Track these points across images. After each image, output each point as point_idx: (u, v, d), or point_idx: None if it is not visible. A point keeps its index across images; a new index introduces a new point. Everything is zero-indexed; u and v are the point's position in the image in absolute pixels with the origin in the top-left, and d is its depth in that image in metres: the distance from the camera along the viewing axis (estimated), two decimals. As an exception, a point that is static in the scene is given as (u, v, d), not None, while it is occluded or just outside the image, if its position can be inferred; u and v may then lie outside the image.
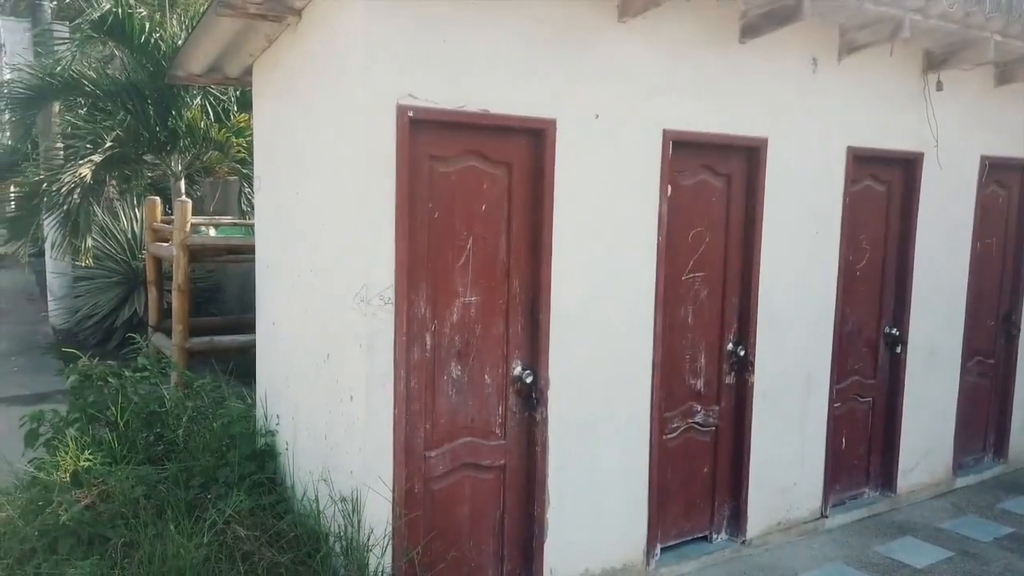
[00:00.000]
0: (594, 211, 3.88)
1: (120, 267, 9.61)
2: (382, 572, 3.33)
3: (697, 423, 4.50)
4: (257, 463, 4.30)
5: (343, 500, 3.46)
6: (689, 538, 4.55)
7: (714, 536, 4.63)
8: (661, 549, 4.37)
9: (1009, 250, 6.01)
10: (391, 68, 3.23)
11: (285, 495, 4.08)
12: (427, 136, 3.40)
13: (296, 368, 4.14)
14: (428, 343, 3.53)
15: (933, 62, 5.05)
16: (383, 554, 3.35)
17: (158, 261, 8.14)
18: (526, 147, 3.70)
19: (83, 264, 9.13)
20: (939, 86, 5.05)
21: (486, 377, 3.72)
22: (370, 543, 3.32)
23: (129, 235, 9.79)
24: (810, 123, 4.63)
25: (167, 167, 9.56)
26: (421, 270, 3.47)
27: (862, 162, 4.94)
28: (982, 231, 5.73)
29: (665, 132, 4.07)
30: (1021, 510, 5.46)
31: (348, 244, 3.46)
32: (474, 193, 3.58)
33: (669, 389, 4.34)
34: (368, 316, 3.29)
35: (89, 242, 8.81)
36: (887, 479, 5.44)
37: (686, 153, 4.21)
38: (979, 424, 6.07)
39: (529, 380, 3.77)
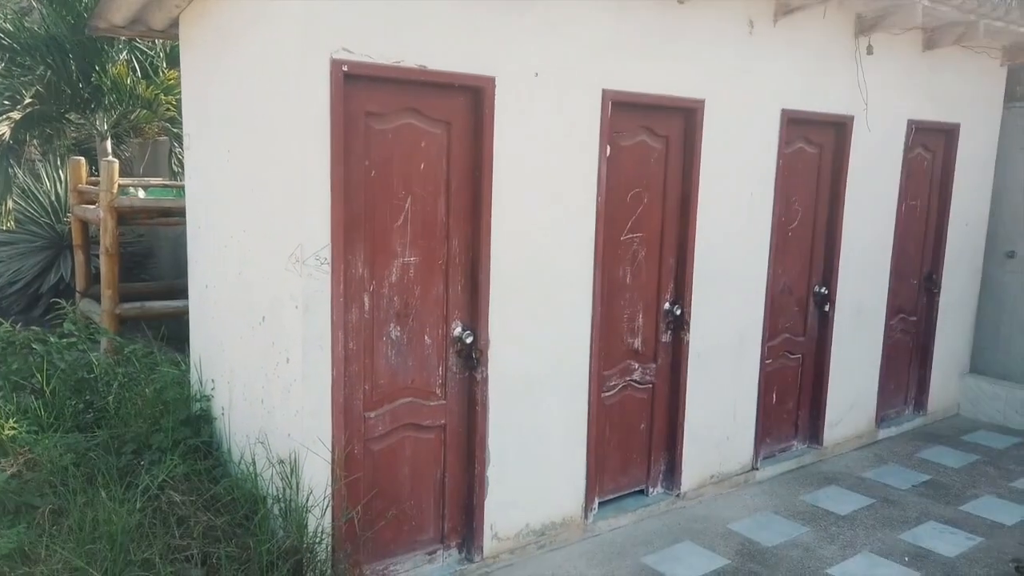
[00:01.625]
0: (534, 171, 3.88)
1: (44, 231, 9.19)
2: (321, 532, 3.33)
3: (635, 381, 4.59)
4: (192, 428, 4.22)
5: (281, 462, 3.43)
6: (626, 492, 4.68)
7: (650, 490, 4.76)
8: (599, 503, 4.48)
9: (932, 212, 6.25)
10: (324, 21, 3.13)
11: (221, 459, 4.03)
12: (363, 92, 3.32)
13: (231, 331, 4.06)
14: (366, 304, 3.50)
15: (864, 26, 5.16)
16: (323, 515, 3.34)
17: (84, 224, 7.80)
18: (465, 105, 3.66)
19: (3, 228, 8.70)
20: (870, 50, 5.17)
21: (426, 338, 3.71)
22: (309, 504, 3.31)
23: (53, 197, 9.35)
24: (746, 85, 4.69)
25: (92, 126, 9.15)
26: (358, 230, 3.41)
27: (796, 124, 5.04)
28: (907, 193, 5.94)
29: (604, 92, 4.07)
30: (938, 459, 5.78)
31: (282, 203, 3.38)
32: (412, 151, 3.53)
33: (608, 348, 4.41)
34: (304, 277, 3.23)
35: (10, 204, 8.40)
36: (815, 432, 5.67)
37: (625, 114, 4.22)
38: (901, 379, 6.36)
39: (469, 340, 3.78)
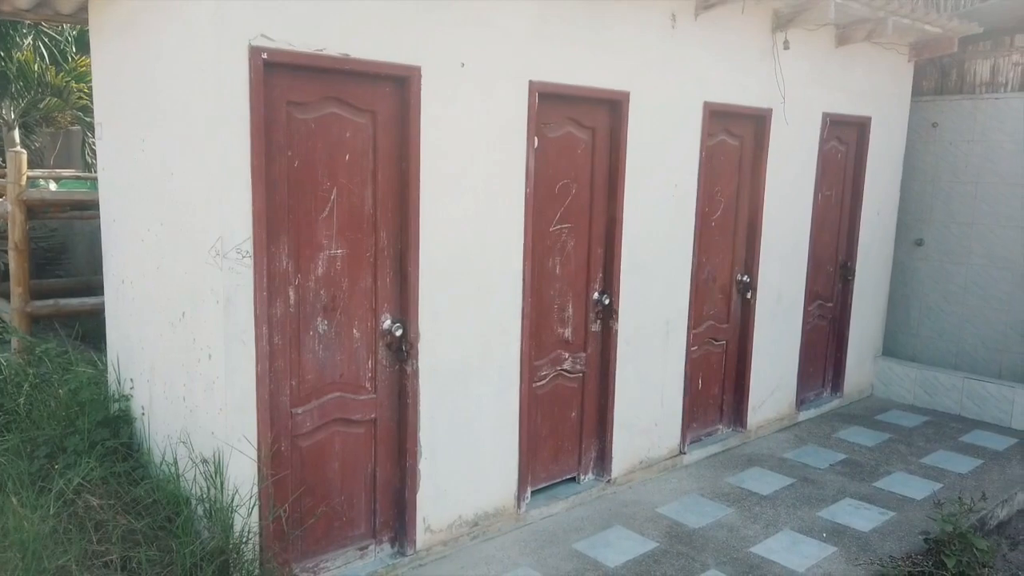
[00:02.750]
0: (462, 162, 3.87)
1: (-55, 226, 8.67)
2: (248, 532, 3.25)
3: (565, 370, 4.65)
4: (110, 430, 4.06)
5: (205, 462, 3.33)
6: (558, 480, 4.74)
7: (582, 477, 4.83)
8: (532, 492, 4.53)
9: (846, 202, 6.51)
10: (242, 6, 3.04)
11: (142, 461, 3.89)
12: (284, 80, 3.24)
13: (150, 328, 3.91)
14: (292, 297, 3.43)
15: (781, 21, 5.33)
16: (249, 514, 3.27)
17: (-10, 218, 7.40)
18: (391, 95, 3.62)
19: (-100, 222, 8.16)
20: (786, 45, 5.34)
21: (354, 331, 3.67)
22: (235, 504, 3.23)
23: (-46, 190, 8.83)
24: (670, 78, 4.78)
25: (-3, 114, 8.68)
26: (282, 222, 3.34)
27: (718, 117, 5.17)
28: (823, 184, 6.17)
29: (531, 83, 4.08)
30: (853, 439, 6.04)
31: (200, 195, 3.27)
32: (337, 142, 3.47)
33: (538, 338, 4.44)
34: (225, 270, 3.14)
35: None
36: (738, 416, 5.85)
37: (552, 105, 4.25)
38: (819, 362, 6.63)
39: (399, 333, 3.75)
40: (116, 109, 4.17)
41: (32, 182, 6.67)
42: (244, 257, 3.17)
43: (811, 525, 4.56)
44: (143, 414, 4.03)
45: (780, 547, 4.29)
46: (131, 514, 3.35)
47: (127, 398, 4.21)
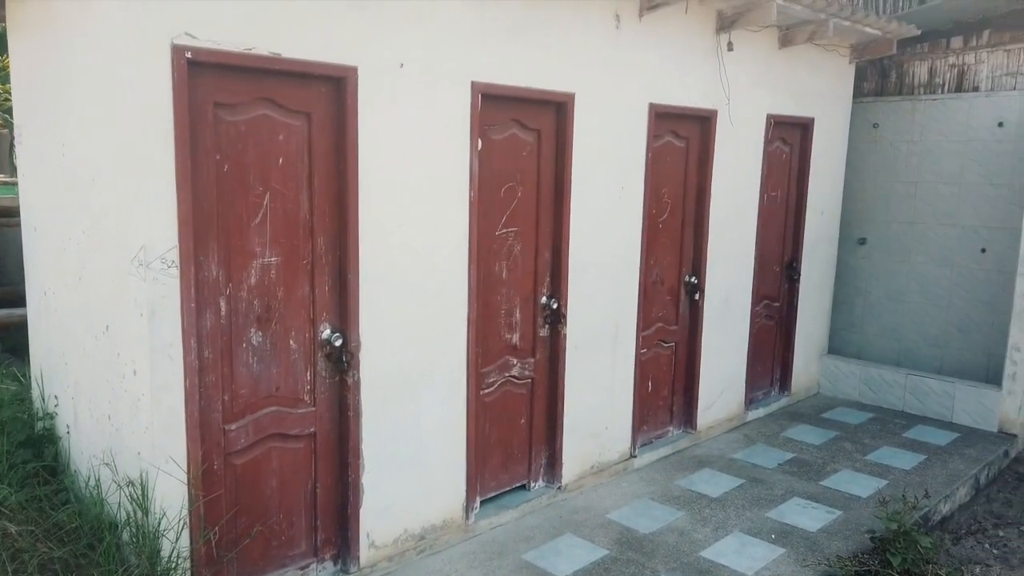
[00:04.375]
0: (403, 165, 3.75)
1: None
2: (178, 557, 3.09)
3: (514, 376, 4.56)
4: (33, 450, 3.84)
5: (130, 484, 3.15)
6: (508, 488, 4.65)
7: (532, 484, 4.76)
8: (481, 502, 4.43)
9: (791, 202, 6.57)
10: (163, 2, 2.88)
11: (66, 483, 3.68)
12: (210, 81, 3.09)
13: (73, 342, 3.70)
14: (223, 308, 3.27)
15: (725, 23, 5.33)
16: (177, 538, 3.10)
17: (-92, 226, 7.01)
18: (326, 96, 3.48)
19: None
20: (730, 46, 5.35)
21: (291, 342, 3.52)
22: (162, 528, 3.06)
23: None
24: (615, 79, 4.74)
25: (-85, 116, 8.22)
26: (210, 229, 3.18)
27: (663, 118, 5.15)
28: (768, 184, 6.21)
29: (474, 84, 3.99)
30: (800, 437, 6.09)
31: (122, 201, 3.09)
32: (269, 145, 3.32)
33: (485, 344, 4.35)
34: (148, 281, 2.97)
35: None
36: (688, 417, 5.85)
37: (496, 106, 4.17)
38: (767, 362, 6.67)
39: (339, 343, 3.62)
40: (35, 112, 3.95)
41: (-48, 187, 6.32)
42: (169, 267, 3.01)
43: (760, 526, 4.56)
44: (68, 433, 3.82)
45: (730, 550, 4.27)
46: (52, 541, 3.15)
47: (51, 416, 3.99)
